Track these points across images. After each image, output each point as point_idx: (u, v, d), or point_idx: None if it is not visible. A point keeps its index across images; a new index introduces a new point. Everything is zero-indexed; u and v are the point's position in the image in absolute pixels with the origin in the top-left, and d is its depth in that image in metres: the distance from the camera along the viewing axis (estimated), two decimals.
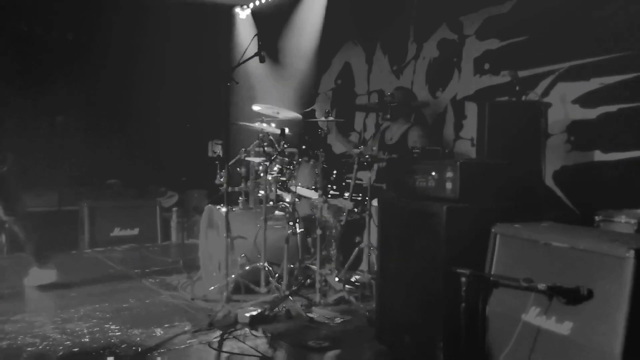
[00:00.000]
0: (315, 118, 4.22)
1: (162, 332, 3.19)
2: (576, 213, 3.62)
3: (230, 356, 2.87)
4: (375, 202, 3.57)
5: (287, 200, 4.14)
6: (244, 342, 3.02)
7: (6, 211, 4.01)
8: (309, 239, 4.44)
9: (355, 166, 3.71)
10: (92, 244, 5.80)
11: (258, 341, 3.05)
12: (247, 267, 3.90)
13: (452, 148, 4.56)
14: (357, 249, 3.84)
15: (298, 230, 3.97)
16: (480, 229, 2.42)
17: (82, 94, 6.28)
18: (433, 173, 2.64)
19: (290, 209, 3.95)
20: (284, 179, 4.04)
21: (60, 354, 2.86)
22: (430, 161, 2.72)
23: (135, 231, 6.06)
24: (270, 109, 4.21)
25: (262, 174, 4.20)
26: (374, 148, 4.27)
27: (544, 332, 2.06)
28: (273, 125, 4.19)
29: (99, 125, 6.43)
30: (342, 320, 3.40)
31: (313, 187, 3.89)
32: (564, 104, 3.71)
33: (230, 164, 4.04)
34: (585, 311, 1.94)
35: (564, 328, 1.99)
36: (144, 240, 6.06)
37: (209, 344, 2.99)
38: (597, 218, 2.77)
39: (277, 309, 3.47)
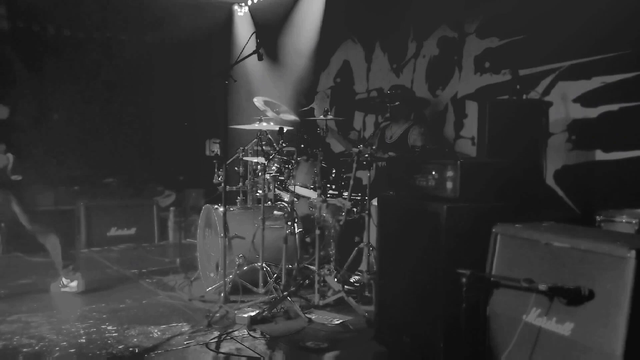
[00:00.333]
0: (314, 117, 4.20)
1: (159, 332, 3.16)
2: (577, 213, 3.60)
3: (228, 357, 2.86)
4: (374, 202, 3.55)
5: (286, 199, 4.12)
6: (242, 343, 3.00)
7: (31, 222, 3.92)
8: (308, 239, 4.42)
9: (355, 165, 3.69)
10: (89, 244, 5.78)
11: (256, 342, 3.03)
12: (245, 268, 3.87)
13: (452, 147, 4.54)
14: (356, 249, 3.82)
15: (296, 230, 3.95)
16: (481, 229, 2.40)
17: (78, 92, 6.25)
18: (433, 172, 2.62)
19: (289, 209, 3.92)
20: (282, 178, 4.02)
21: (57, 354, 2.84)
22: (431, 160, 2.69)
23: (132, 231, 6.04)
24: (270, 104, 4.18)
25: (260, 173, 4.18)
26: (374, 147, 4.25)
27: (545, 332, 2.05)
28: (272, 123, 4.17)
29: (95, 123, 6.40)
30: (340, 321, 3.38)
31: (312, 186, 3.87)
32: (565, 102, 3.69)
33: (228, 163, 4.02)
34: (586, 312, 1.93)
35: (565, 328, 1.98)
36: (141, 240, 6.04)
37: (207, 345, 2.97)
38: (598, 218, 2.75)
39: (275, 309, 3.45)
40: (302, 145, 3.95)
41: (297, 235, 3.98)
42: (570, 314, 1.97)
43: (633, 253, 1.81)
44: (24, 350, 2.89)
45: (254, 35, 3.59)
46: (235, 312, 3.35)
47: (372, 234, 3.59)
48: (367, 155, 3.75)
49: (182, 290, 4.09)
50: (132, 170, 6.51)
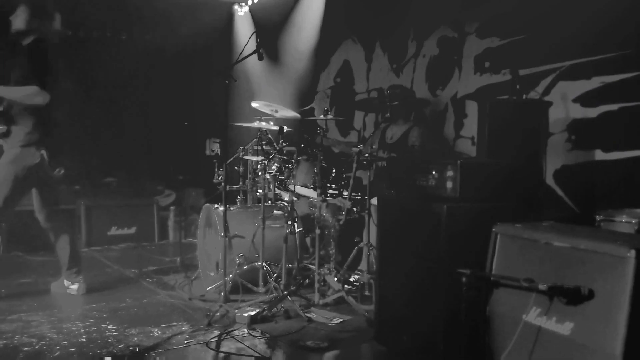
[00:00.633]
0: (314, 116, 4.20)
1: (159, 332, 3.17)
2: (577, 212, 3.60)
3: (228, 356, 2.86)
4: (374, 201, 3.55)
5: (286, 199, 4.12)
6: (242, 343, 3.00)
7: (49, 219, 3.84)
8: (308, 239, 4.42)
9: (355, 165, 3.69)
10: (89, 243, 5.78)
11: (256, 341, 3.03)
12: (245, 267, 3.88)
13: (452, 147, 4.54)
14: (356, 248, 3.83)
15: (296, 230, 3.95)
16: (481, 229, 2.40)
17: (78, 90, 6.24)
18: (433, 172, 2.63)
19: (289, 208, 3.93)
20: (282, 177, 4.02)
21: (57, 353, 2.83)
22: (431, 160, 2.70)
23: (133, 230, 6.04)
24: (268, 107, 4.19)
25: (260, 173, 4.19)
26: (374, 146, 4.25)
27: (545, 332, 2.05)
28: (272, 123, 4.17)
29: (95, 123, 6.40)
30: (340, 320, 3.38)
31: (312, 186, 3.88)
32: (564, 102, 3.69)
33: (228, 162, 4.02)
34: (586, 311, 1.93)
35: (565, 328, 1.98)
36: (141, 239, 6.04)
37: (207, 344, 2.97)
38: (597, 218, 2.75)
39: (275, 309, 3.46)
40: (302, 145, 3.96)
41: (297, 235, 3.99)
42: (570, 313, 1.97)
43: (633, 253, 1.81)
44: (25, 349, 2.89)
45: (254, 35, 3.59)
46: (236, 311, 3.35)
47: (372, 234, 3.60)
48: (367, 155, 3.76)
49: (182, 289, 4.09)
50: (132, 169, 6.51)
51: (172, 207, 6.34)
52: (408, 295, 2.72)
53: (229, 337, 3.08)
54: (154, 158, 6.70)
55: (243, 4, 7.09)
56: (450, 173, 2.53)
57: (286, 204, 4.10)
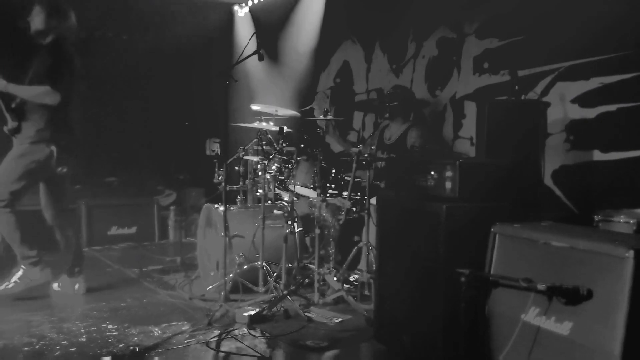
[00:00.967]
0: (314, 117, 4.21)
1: (159, 331, 3.17)
2: (575, 212, 3.61)
3: (229, 356, 2.86)
4: (374, 201, 3.56)
5: (286, 199, 4.13)
6: (242, 342, 3.01)
7: (55, 217, 3.85)
8: (308, 238, 4.43)
9: (354, 165, 3.70)
10: (90, 243, 5.77)
11: (256, 341, 3.04)
12: (245, 267, 3.89)
13: (451, 147, 4.55)
14: (355, 248, 3.83)
15: (296, 230, 3.96)
16: (480, 229, 2.41)
17: (78, 91, 6.24)
18: (432, 172, 2.64)
19: (289, 208, 3.94)
20: (282, 177, 4.03)
21: (57, 353, 2.84)
22: (430, 160, 2.71)
23: (133, 230, 6.04)
24: (268, 108, 4.20)
25: (260, 173, 4.20)
26: (373, 147, 4.26)
27: (544, 332, 2.06)
28: (272, 123, 4.18)
29: (96, 122, 6.40)
30: (340, 319, 3.39)
31: (312, 186, 3.89)
32: (563, 103, 3.70)
33: (228, 162, 4.03)
34: (584, 311, 1.94)
35: (564, 328, 1.99)
36: (141, 238, 6.04)
37: (207, 344, 2.98)
38: (596, 218, 2.75)
39: (275, 308, 3.46)
40: (302, 145, 3.97)
41: (297, 235, 4.00)
42: (568, 313, 1.98)
43: (631, 253, 1.82)
44: (25, 349, 2.89)
45: (254, 36, 3.60)
46: (236, 310, 3.36)
47: (371, 233, 3.61)
48: (366, 155, 3.77)
49: (183, 289, 4.10)
50: (133, 169, 6.51)
51: (172, 207, 6.34)
52: (407, 294, 2.73)
53: (229, 336, 3.08)
54: (154, 158, 6.70)
55: (243, 4, 7.09)
56: (449, 173, 2.54)
57: (286, 204, 4.11)
